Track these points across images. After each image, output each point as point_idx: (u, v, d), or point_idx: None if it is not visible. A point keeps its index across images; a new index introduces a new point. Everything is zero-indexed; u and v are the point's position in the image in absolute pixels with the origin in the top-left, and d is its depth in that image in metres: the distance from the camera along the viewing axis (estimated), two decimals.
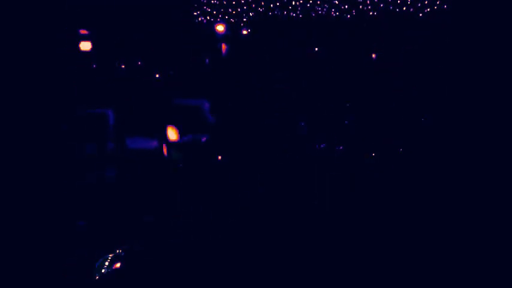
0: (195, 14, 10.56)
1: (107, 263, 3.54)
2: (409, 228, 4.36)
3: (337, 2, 10.39)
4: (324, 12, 10.44)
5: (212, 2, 10.54)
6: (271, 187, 5.24)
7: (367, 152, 6.12)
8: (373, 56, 8.95)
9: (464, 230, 4.25)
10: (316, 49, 9.44)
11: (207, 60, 9.13)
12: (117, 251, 3.62)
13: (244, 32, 10.05)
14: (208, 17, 10.58)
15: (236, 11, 10.54)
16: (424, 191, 5.02)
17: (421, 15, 9.99)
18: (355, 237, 4.24)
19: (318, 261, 3.87)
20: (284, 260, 3.87)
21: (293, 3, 10.48)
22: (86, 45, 7.91)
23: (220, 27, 9.62)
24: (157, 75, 8.26)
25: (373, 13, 10.23)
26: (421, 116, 6.92)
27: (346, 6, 10.39)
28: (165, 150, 6.23)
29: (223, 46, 9.44)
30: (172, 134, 6.33)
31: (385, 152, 6.10)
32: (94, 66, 8.29)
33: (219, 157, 6.03)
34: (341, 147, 6.26)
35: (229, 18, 10.54)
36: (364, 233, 4.31)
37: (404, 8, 10.10)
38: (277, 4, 10.53)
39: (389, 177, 5.48)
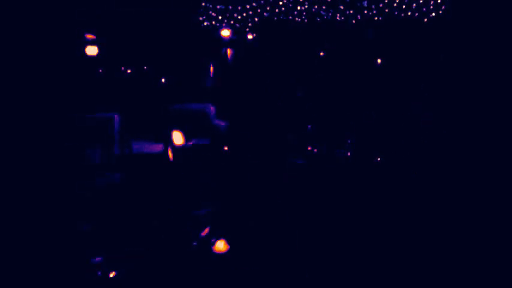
0: (200, 19, 10.61)
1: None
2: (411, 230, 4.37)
3: (342, 7, 10.42)
4: (329, 17, 10.47)
5: (218, 7, 10.59)
6: (278, 190, 5.26)
7: (373, 155, 6.13)
8: (378, 60, 8.96)
9: (463, 230, 4.27)
10: (322, 54, 9.46)
11: (212, 65, 9.16)
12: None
13: (250, 37, 10.08)
14: (213, 22, 10.63)
15: (242, 16, 10.59)
16: (425, 193, 5.04)
17: (426, 20, 10.01)
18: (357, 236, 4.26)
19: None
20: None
21: (298, 8, 10.52)
22: (92, 50, 7.95)
23: (225, 32, 9.65)
24: (162, 80, 8.30)
25: (378, 18, 10.26)
26: (425, 120, 6.92)
27: (352, 11, 10.42)
28: (170, 154, 6.24)
29: (229, 51, 9.47)
30: (177, 138, 6.35)
31: (390, 155, 6.10)
32: (100, 70, 8.34)
33: (225, 160, 6.05)
34: (346, 151, 6.27)
35: (234, 23, 10.59)
36: (367, 233, 4.33)
37: (409, 13, 10.12)
38: (283, 9, 10.57)
39: (393, 179, 5.50)
